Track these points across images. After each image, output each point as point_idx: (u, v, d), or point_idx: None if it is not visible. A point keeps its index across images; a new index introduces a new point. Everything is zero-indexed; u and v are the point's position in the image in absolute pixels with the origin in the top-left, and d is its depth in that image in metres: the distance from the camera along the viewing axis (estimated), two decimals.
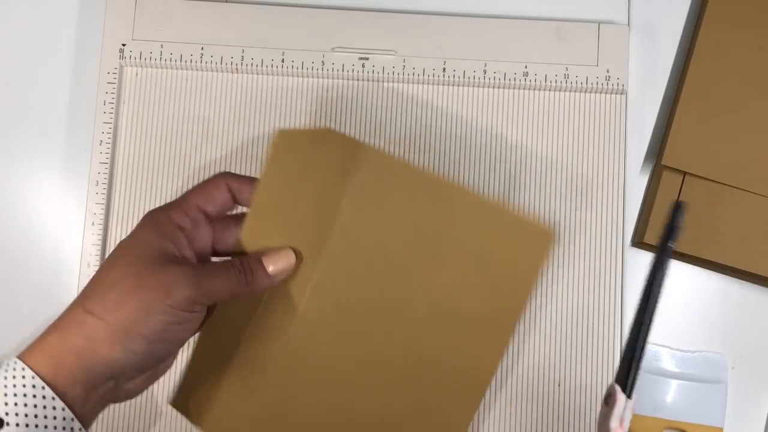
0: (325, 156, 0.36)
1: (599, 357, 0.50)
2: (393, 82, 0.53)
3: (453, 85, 0.52)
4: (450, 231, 0.36)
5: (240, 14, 0.53)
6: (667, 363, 0.50)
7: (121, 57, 0.52)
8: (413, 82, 0.52)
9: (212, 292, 0.35)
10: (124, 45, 0.52)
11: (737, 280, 0.51)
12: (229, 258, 0.38)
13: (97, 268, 0.50)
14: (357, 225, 0.35)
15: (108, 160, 0.51)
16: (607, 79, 0.52)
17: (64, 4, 0.54)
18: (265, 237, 0.38)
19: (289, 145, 0.39)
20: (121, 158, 0.52)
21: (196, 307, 0.35)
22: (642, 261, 0.51)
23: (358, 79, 0.52)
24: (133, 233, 0.36)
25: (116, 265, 0.35)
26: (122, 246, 0.36)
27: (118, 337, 0.33)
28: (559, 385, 0.50)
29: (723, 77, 0.51)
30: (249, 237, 0.38)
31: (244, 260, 0.36)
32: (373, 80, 0.52)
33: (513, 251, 0.38)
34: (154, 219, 0.37)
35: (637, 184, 0.53)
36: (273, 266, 0.36)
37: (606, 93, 0.52)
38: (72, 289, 0.51)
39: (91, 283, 0.35)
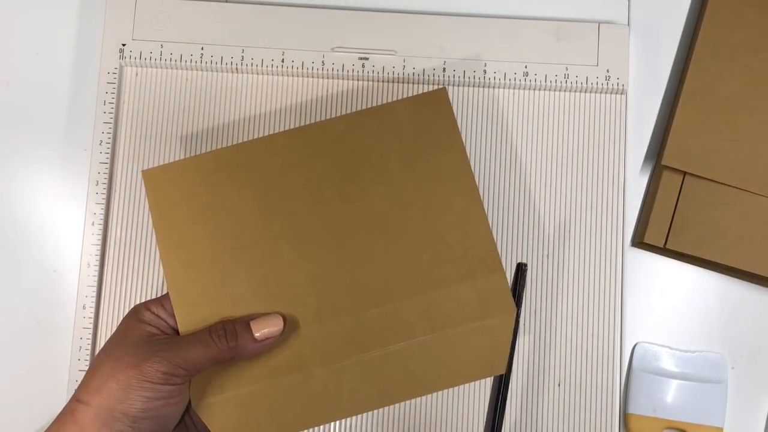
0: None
1: (599, 357, 0.50)
2: (393, 82, 0.53)
3: (453, 85, 0.52)
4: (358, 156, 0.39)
5: (240, 14, 0.53)
6: (667, 363, 0.50)
7: (121, 57, 0.52)
8: (413, 82, 0.52)
9: (188, 363, 0.35)
10: (124, 45, 0.52)
11: (737, 280, 0.51)
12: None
13: (97, 268, 0.50)
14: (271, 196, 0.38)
15: (108, 160, 0.51)
16: (607, 79, 0.52)
17: (64, 4, 0.54)
18: (184, 278, 0.38)
19: (161, 182, 0.39)
20: (121, 158, 0.52)
21: (174, 379, 0.35)
22: (642, 261, 0.51)
23: (358, 79, 0.52)
24: (118, 326, 0.38)
25: (101, 353, 0.37)
26: (109, 338, 0.37)
27: (103, 418, 0.34)
28: (559, 385, 0.50)
29: (723, 77, 0.51)
30: (175, 287, 0.38)
31: (228, 324, 0.36)
32: (373, 80, 0.52)
33: (420, 123, 0.39)
34: (135, 310, 0.38)
35: (637, 184, 0.53)
36: (260, 332, 0.36)
37: (606, 93, 0.52)
38: (72, 289, 0.51)
39: (84, 375, 0.36)
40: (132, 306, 0.40)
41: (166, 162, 0.51)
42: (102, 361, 0.36)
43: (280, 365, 0.37)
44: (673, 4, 0.55)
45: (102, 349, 0.37)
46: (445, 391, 0.49)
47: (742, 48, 0.51)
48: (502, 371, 0.40)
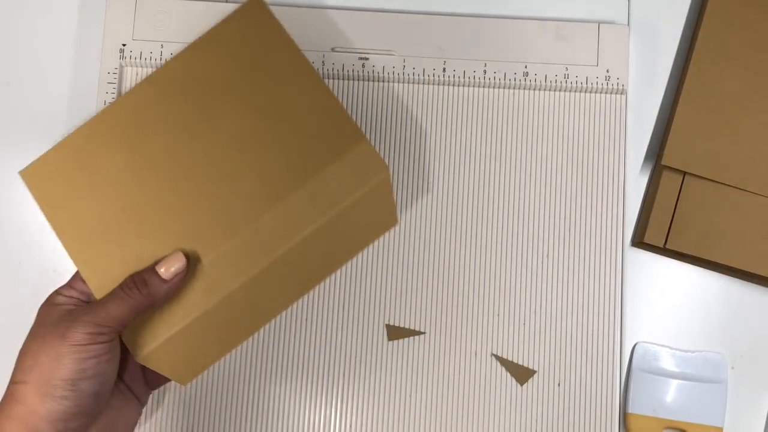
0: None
1: (599, 357, 0.50)
2: (393, 82, 0.53)
3: (453, 85, 0.52)
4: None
5: None
6: (667, 363, 0.50)
7: (122, 57, 0.52)
8: (413, 82, 0.52)
9: (110, 318, 0.37)
10: (124, 45, 0.52)
11: (737, 280, 0.51)
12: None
13: None
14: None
15: None
16: (607, 79, 0.52)
17: (64, 4, 0.54)
18: (88, 252, 0.40)
19: (40, 176, 0.41)
20: None
21: (101, 338, 0.37)
22: (642, 261, 0.51)
23: (357, 79, 0.52)
24: (35, 318, 0.39)
25: (26, 340, 0.38)
26: (30, 328, 0.39)
27: (43, 390, 0.36)
28: (558, 385, 0.50)
29: (723, 77, 0.51)
30: (82, 262, 0.40)
31: (136, 275, 0.38)
32: (372, 80, 0.52)
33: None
34: (47, 299, 0.40)
35: (637, 184, 0.53)
36: (166, 270, 0.38)
37: (606, 93, 0.52)
38: None
39: (16, 361, 0.38)
40: None
41: None
42: (28, 344, 0.38)
43: (201, 296, 0.38)
44: (673, 4, 0.55)
45: (26, 337, 0.38)
46: (444, 392, 0.49)
47: (742, 48, 0.51)
48: (396, 223, 0.46)
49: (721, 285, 0.51)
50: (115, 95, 0.52)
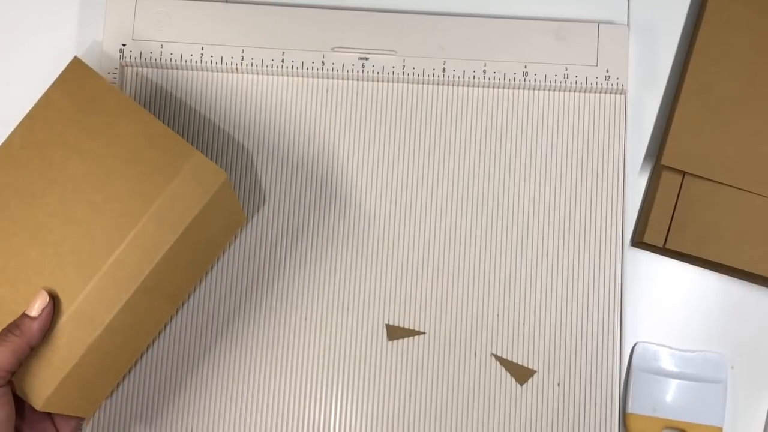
0: None
1: (599, 357, 0.50)
2: (393, 82, 0.53)
3: (453, 85, 0.52)
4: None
5: (240, 14, 0.53)
6: (667, 363, 0.50)
7: (121, 57, 0.52)
8: (413, 82, 0.53)
9: None
10: (124, 45, 0.52)
11: (737, 280, 0.51)
12: None
13: None
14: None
15: None
16: (607, 79, 0.52)
17: (64, 4, 0.55)
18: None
19: None
20: None
21: None
22: (641, 261, 0.51)
23: (357, 79, 0.52)
24: None
25: None
26: None
27: None
28: (558, 385, 0.50)
29: (722, 77, 0.51)
30: None
31: (11, 322, 0.40)
32: (373, 80, 0.52)
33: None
34: None
35: (637, 184, 0.53)
36: (32, 310, 0.40)
37: (605, 93, 0.52)
38: None
39: None
40: None
41: None
42: None
43: (81, 334, 0.41)
44: (673, 4, 0.55)
45: None
46: (444, 392, 0.49)
47: (742, 48, 0.51)
48: (244, 221, 0.50)
49: (720, 285, 0.51)
50: None
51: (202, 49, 0.52)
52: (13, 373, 0.39)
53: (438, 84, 0.52)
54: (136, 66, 0.53)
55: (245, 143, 0.52)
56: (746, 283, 0.51)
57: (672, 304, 0.51)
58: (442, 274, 0.51)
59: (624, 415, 0.49)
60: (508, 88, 0.52)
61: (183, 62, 0.52)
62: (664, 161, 0.50)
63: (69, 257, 0.41)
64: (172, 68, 0.53)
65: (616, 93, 0.52)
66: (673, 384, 0.49)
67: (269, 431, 0.49)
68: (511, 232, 0.51)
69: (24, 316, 0.40)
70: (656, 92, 0.54)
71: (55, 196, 0.42)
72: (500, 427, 0.49)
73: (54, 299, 0.40)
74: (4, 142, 0.43)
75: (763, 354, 0.51)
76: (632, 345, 0.50)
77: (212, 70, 0.53)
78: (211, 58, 0.52)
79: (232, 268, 0.51)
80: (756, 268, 0.49)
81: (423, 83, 0.52)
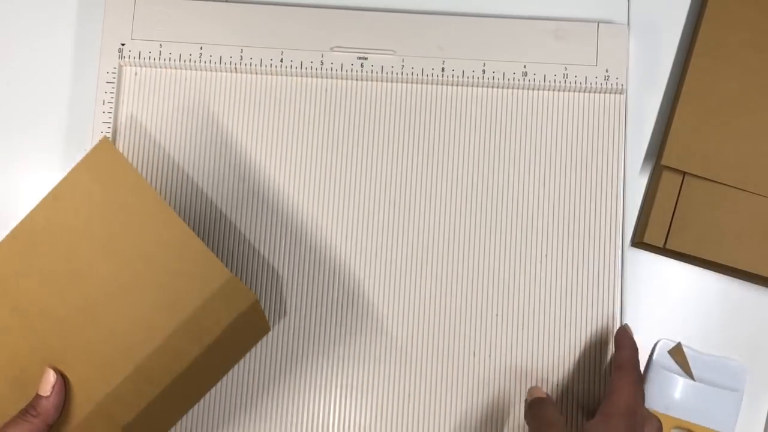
0: None
1: (598, 356, 0.50)
2: (392, 81, 0.52)
3: (452, 84, 0.52)
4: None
5: (239, 14, 0.53)
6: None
7: (121, 57, 0.52)
8: (412, 82, 0.52)
9: None
10: (123, 44, 0.52)
11: (737, 280, 0.51)
12: None
13: None
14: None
15: None
16: (606, 78, 0.52)
17: (64, 4, 0.55)
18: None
19: None
20: None
21: None
22: (642, 261, 0.51)
23: (357, 79, 0.52)
24: None
25: None
26: None
27: None
28: (558, 386, 0.49)
29: (723, 77, 0.50)
30: None
31: (28, 404, 0.41)
32: (372, 80, 0.52)
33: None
34: None
35: (637, 184, 0.52)
36: (44, 390, 0.40)
37: (605, 93, 0.52)
38: None
39: None
40: None
41: (165, 161, 0.51)
42: None
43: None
44: (673, 4, 0.54)
45: None
46: (441, 393, 0.49)
47: (742, 48, 0.51)
48: (269, 331, 0.49)
49: (720, 285, 0.51)
50: (114, 95, 0.52)
51: (201, 48, 0.52)
52: None
53: (437, 84, 0.52)
54: (135, 65, 0.53)
55: (244, 142, 0.52)
56: (746, 283, 0.51)
57: (672, 304, 0.51)
58: (441, 274, 0.50)
59: None
60: (508, 87, 0.52)
61: (182, 62, 0.52)
62: (664, 161, 0.50)
63: (91, 356, 0.41)
64: (171, 68, 0.53)
65: (615, 93, 0.52)
66: (690, 385, 0.49)
67: (267, 429, 0.49)
68: (511, 232, 0.51)
69: (38, 396, 0.40)
70: (656, 92, 0.53)
71: (80, 292, 0.41)
72: (500, 427, 0.49)
73: (63, 377, 0.41)
74: (28, 217, 0.41)
75: (763, 354, 0.50)
76: (655, 342, 0.50)
77: (211, 70, 0.53)
78: (210, 58, 0.52)
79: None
80: (756, 268, 0.49)
81: (422, 83, 0.52)
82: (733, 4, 0.51)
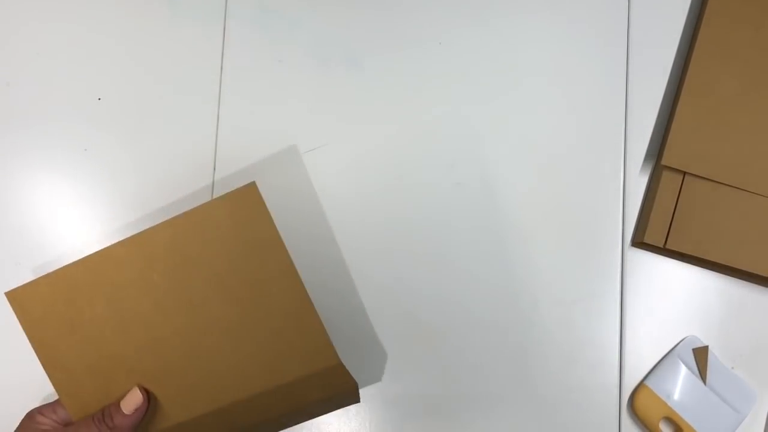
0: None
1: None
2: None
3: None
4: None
5: None
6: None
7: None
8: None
9: None
10: None
11: (737, 280, 0.51)
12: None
13: None
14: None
15: None
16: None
17: (63, 4, 0.54)
18: (71, 385, 0.42)
19: (25, 300, 0.42)
20: None
21: None
22: (642, 261, 0.51)
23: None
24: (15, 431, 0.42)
25: None
26: None
27: None
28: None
29: (723, 77, 0.51)
30: (65, 394, 0.42)
31: (105, 408, 0.41)
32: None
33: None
34: (29, 416, 0.42)
35: (637, 184, 0.52)
36: (125, 406, 0.41)
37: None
38: None
39: None
40: None
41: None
42: None
43: None
44: (673, 4, 0.54)
45: None
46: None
47: (743, 47, 0.51)
48: (359, 401, 0.47)
49: (721, 285, 0.51)
50: None
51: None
52: None
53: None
54: None
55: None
56: (746, 283, 0.51)
57: (672, 303, 0.51)
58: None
59: (640, 384, 0.49)
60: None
61: None
62: (664, 161, 0.50)
63: (181, 381, 0.41)
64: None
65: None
66: (698, 387, 0.49)
67: None
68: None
69: (118, 410, 0.40)
70: (656, 92, 0.54)
71: (188, 319, 0.41)
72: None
73: (146, 393, 0.41)
74: (153, 230, 0.41)
75: (763, 354, 0.51)
76: (682, 337, 0.50)
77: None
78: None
79: None
80: (756, 268, 0.49)
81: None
82: (733, 4, 0.51)
